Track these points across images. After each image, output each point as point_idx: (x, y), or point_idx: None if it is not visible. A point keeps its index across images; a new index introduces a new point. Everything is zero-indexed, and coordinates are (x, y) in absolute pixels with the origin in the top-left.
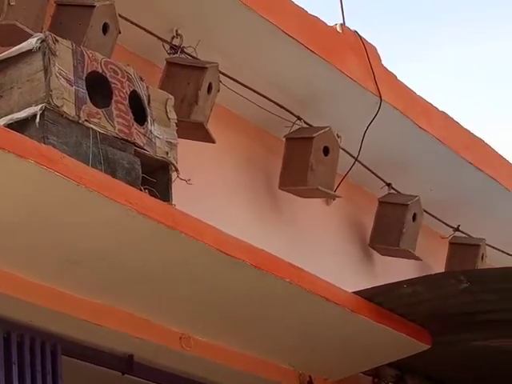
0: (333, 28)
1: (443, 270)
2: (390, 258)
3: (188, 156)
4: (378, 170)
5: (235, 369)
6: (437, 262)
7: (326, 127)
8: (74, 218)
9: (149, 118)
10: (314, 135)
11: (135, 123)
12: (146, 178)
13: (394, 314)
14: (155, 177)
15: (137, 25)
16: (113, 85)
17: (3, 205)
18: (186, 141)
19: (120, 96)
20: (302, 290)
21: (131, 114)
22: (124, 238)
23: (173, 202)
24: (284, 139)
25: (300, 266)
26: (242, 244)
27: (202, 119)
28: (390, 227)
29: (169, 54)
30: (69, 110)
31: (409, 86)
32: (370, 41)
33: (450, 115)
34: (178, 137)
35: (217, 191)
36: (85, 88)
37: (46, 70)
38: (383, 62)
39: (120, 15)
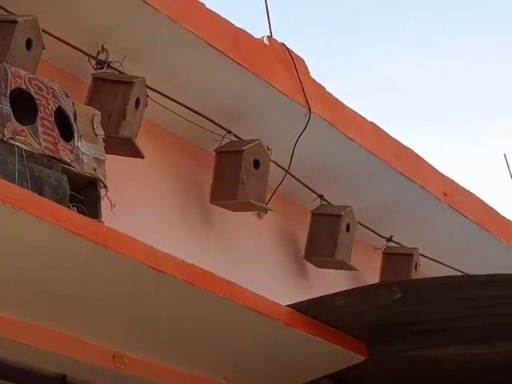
0: (260, 40)
1: (378, 281)
2: (325, 270)
3: (117, 172)
4: (310, 182)
5: None
6: (371, 273)
7: (256, 140)
8: (0, 238)
9: (75, 135)
10: (243, 148)
11: (62, 140)
12: (74, 195)
13: (329, 327)
14: (83, 194)
15: (61, 40)
16: (38, 101)
17: None
18: (114, 157)
19: (45, 112)
20: (235, 304)
21: (57, 131)
22: (53, 256)
23: (102, 219)
24: (214, 153)
25: (233, 281)
26: (173, 259)
27: (130, 134)
28: (324, 239)
29: (95, 69)
30: None
31: (338, 98)
32: (297, 53)
33: (380, 126)
34: (107, 153)
35: (147, 207)
36: (9, 105)
37: None
38: (311, 74)
39: (44, 30)
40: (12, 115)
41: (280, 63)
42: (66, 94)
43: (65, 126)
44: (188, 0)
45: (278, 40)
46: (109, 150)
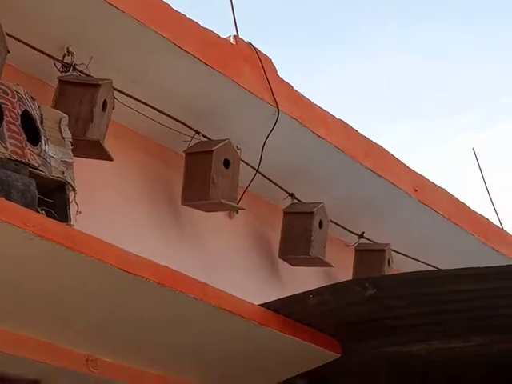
0: (226, 40)
1: (351, 278)
2: (298, 268)
3: (86, 175)
4: (280, 181)
5: None
6: (344, 271)
7: (225, 140)
8: None
9: (42, 138)
10: (213, 148)
11: (28, 144)
12: (43, 199)
13: (303, 325)
14: (52, 197)
15: (26, 43)
16: (3, 105)
17: None
18: (83, 159)
19: (11, 116)
20: (208, 304)
21: (24, 135)
22: (22, 261)
23: (71, 223)
24: (183, 154)
25: (205, 282)
26: (144, 261)
27: (98, 137)
28: (297, 237)
29: (61, 72)
30: None
31: (306, 96)
32: (264, 52)
33: (348, 123)
34: (75, 155)
35: (117, 210)
36: None
37: None
38: (279, 73)
39: (8, 34)
40: None
41: (247, 62)
42: (32, 98)
43: (31, 129)
44: (153, 1)
45: (245, 39)
46: (77, 152)
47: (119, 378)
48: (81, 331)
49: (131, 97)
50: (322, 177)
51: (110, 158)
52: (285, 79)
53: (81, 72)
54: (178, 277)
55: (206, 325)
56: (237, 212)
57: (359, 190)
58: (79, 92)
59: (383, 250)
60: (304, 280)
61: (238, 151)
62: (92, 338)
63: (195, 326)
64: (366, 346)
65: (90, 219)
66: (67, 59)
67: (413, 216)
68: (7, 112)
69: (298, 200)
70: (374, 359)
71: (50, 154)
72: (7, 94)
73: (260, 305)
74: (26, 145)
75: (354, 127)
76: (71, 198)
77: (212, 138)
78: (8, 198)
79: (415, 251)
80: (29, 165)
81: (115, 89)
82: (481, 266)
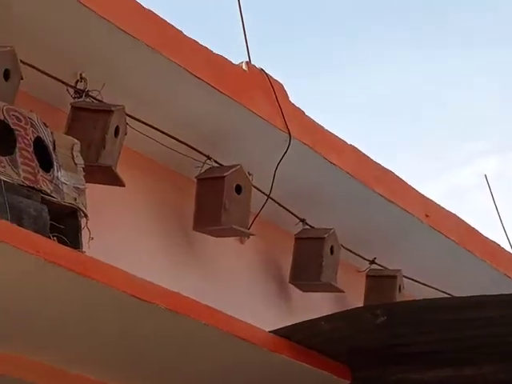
0: (239, 66)
1: (362, 304)
2: (309, 294)
3: (98, 201)
4: (291, 207)
5: None
6: (355, 296)
7: (237, 165)
8: None
9: (55, 165)
10: (225, 174)
11: (41, 170)
12: (55, 225)
13: (314, 352)
14: (64, 223)
15: (39, 70)
16: (16, 132)
17: None
18: (95, 185)
19: (24, 143)
20: (219, 331)
21: (36, 161)
22: (34, 287)
23: (83, 249)
24: (195, 180)
25: (216, 308)
26: (155, 288)
27: (111, 163)
28: (308, 262)
29: (73, 98)
30: None
31: (317, 122)
32: (276, 78)
33: (360, 149)
34: (87, 181)
35: (129, 235)
36: None
37: None
38: (291, 99)
39: (22, 61)
40: None
41: (259, 88)
42: (45, 124)
43: (44, 156)
44: (166, 27)
45: (257, 65)
46: (89, 178)
47: None
48: (92, 357)
49: (143, 122)
50: (334, 202)
51: (122, 184)
52: (296, 105)
53: (93, 98)
54: (189, 303)
55: (217, 351)
56: (248, 237)
57: (371, 215)
58: (92, 118)
59: (395, 276)
60: (314, 306)
61: (250, 177)
62: (104, 364)
63: (206, 352)
64: (378, 373)
65: (102, 245)
66: (80, 85)
67: (424, 242)
68: (20, 139)
69: (310, 226)
70: None
71: (63, 180)
72: (20, 121)
73: (271, 331)
74: (38, 171)
75: (365, 153)
76: (83, 224)
77: (224, 164)
78: (20, 223)
79: (426, 277)
80: (41, 191)
81: (127, 114)
82: (492, 292)
